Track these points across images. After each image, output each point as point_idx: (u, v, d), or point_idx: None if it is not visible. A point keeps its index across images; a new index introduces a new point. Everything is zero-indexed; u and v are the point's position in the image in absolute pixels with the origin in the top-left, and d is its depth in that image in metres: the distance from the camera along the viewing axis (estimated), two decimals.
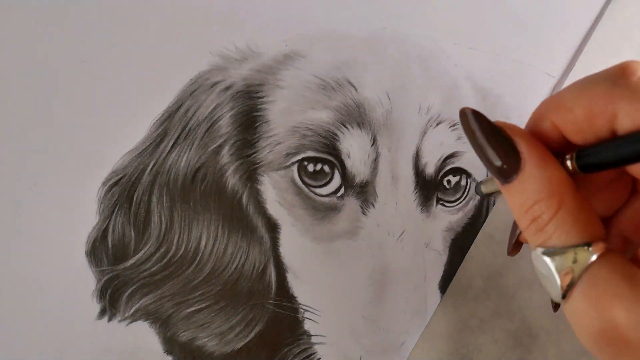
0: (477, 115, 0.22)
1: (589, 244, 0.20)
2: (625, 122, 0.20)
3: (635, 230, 0.26)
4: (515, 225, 0.26)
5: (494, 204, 0.33)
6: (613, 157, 0.20)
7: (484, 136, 0.21)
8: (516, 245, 0.26)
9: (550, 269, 0.20)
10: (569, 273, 0.20)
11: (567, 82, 0.33)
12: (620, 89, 0.20)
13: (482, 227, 0.33)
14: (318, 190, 0.30)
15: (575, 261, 0.20)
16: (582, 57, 0.33)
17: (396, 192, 0.31)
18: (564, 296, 0.20)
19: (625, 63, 0.20)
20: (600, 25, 0.33)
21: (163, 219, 0.30)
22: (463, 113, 0.22)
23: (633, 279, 0.19)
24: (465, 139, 0.32)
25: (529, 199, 0.21)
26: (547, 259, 0.20)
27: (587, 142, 0.21)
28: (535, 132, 0.23)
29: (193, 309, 0.30)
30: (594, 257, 0.20)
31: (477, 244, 0.33)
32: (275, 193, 0.31)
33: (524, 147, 0.21)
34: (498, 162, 0.21)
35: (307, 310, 0.31)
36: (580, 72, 0.33)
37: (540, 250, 0.21)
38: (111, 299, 0.29)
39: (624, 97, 0.19)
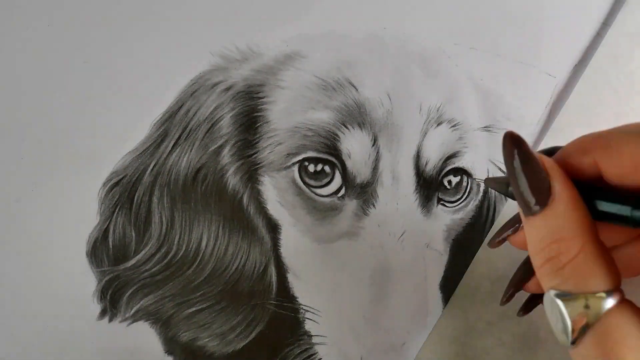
0: (519, 141, 0.21)
1: (605, 292, 0.19)
2: None
3: (624, 267, 0.26)
4: (509, 224, 0.26)
5: (494, 207, 0.33)
6: None
7: (521, 163, 0.21)
8: (500, 241, 0.27)
9: (564, 314, 0.20)
10: (582, 319, 0.19)
11: (578, 86, 0.32)
12: None
13: (490, 229, 0.33)
14: (319, 191, 0.30)
15: (587, 307, 0.19)
16: (592, 62, 0.33)
17: (397, 192, 0.31)
18: (573, 342, 0.20)
19: None
20: (611, 30, 0.33)
21: (164, 219, 0.30)
22: (507, 136, 0.22)
23: None
24: (466, 139, 0.32)
25: (549, 235, 0.20)
26: (561, 304, 0.20)
27: (626, 187, 0.21)
28: (570, 164, 0.22)
29: (194, 309, 0.30)
30: (608, 306, 0.19)
31: (484, 246, 0.33)
32: (275, 193, 0.31)
33: (557, 184, 0.21)
34: (527, 192, 0.21)
35: (307, 311, 0.31)
36: (590, 76, 0.33)
37: (553, 292, 0.20)
38: (112, 300, 0.29)
39: None
